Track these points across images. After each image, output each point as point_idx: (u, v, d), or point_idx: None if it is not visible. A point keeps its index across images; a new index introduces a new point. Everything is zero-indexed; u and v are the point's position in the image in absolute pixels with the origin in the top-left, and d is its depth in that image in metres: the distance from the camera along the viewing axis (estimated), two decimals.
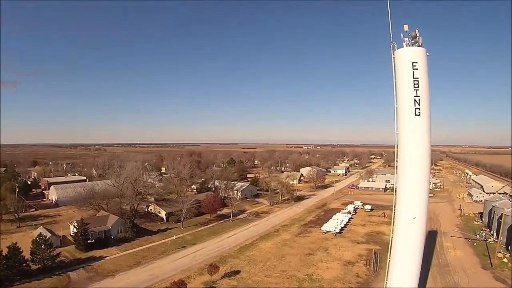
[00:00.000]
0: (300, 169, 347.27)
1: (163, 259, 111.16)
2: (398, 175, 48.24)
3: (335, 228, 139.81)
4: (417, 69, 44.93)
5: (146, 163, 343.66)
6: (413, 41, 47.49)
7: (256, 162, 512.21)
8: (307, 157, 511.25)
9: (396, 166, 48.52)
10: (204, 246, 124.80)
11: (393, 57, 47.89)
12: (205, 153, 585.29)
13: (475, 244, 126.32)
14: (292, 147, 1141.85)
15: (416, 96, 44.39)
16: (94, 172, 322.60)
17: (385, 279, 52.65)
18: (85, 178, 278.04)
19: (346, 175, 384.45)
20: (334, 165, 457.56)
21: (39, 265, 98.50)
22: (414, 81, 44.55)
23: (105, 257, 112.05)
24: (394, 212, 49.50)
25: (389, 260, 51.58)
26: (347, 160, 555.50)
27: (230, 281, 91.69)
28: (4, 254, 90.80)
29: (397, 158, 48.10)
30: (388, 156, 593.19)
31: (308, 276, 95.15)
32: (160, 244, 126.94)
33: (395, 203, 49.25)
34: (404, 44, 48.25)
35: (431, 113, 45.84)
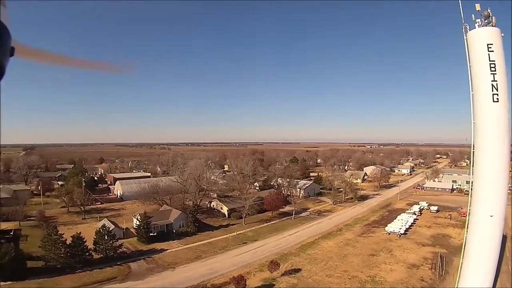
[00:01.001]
0: (364, 168, 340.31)
1: (224, 254, 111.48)
2: (474, 167, 44.18)
3: (400, 229, 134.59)
4: (492, 51, 40.79)
5: (209, 161, 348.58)
6: (486, 21, 43.39)
7: (318, 160, 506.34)
8: (370, 156, 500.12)
9: (473, 158, 44.48)
10: (265, 242, 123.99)
11: (466, 40, 44.06)
12: (268, 151, 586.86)
13: None
14: (355, 146, 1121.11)
15: (494, 80, 40.32)
16: (159, 169, 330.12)
17: (457, 281, 48.92)
18: (149, 174, 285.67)
19: (410, 174, 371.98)
20: (399, 164, 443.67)
21: (101, 255, 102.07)
22: (490, 64, 40.59)
23: (166, 250, 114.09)
24: (469, 209, 45.55)
25: (462, 262, 47.74)
26: (412, 160, 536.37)
27: (290, 279, 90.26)
28: (68, 243, 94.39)
29: (473, 149, 44.06)
30: (454, 156, 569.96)
31: (371, 278, 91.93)
32: (221, 239, 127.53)
33: (470, 199, 45.38)
34: (476, 25, 44.34)
35: (510, 99, 41.92)
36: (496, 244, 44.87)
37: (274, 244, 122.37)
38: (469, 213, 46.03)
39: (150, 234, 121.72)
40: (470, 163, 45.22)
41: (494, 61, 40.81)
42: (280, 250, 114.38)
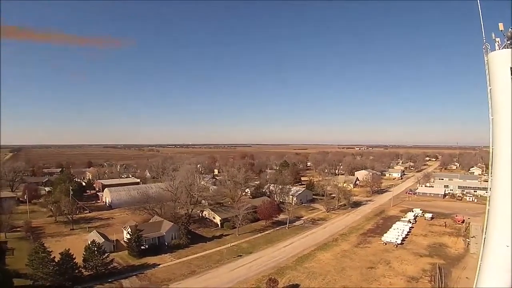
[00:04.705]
0: (355, 173, 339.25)
1: (219, 268, 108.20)
2: (491, 196, 42.13)
3: (396, 239, 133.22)
4: None
5: (199, 165, 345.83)
6: (508, 42, 41.36)
7: (309, 164, 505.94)
8: (360, 159, 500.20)
9: (491, 186, 42.43)
10: (260, 255, 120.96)
11: (486, 61, 41.92)
12: (257, 154, 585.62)
13: None
14: (344, 148, 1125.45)
15: None
16: (148, 174, 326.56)
17: None
18: (139, 180, 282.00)
19: (401, 178, 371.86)
20: (389, 168, 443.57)
21: (92, 272, 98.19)
22: None
23: (159, 264, 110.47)
24: (484, 238, 43.63)
25: None
26: (402, 163, 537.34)
27: None
28: (57, 260, 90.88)
29: (491, 176, 41.99)
30: (443, 159, 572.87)
31: None
32: (215, 252, 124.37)
33: (486, 227, 43.44)
34: (496, 45, 42.31)
35: None
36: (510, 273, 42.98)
37: (270, 256, 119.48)
38: (484, 242, 43.92)
39: (142, 247, 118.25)
40: (488, 191, 42.92)
41: None
42: (276, 264, 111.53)
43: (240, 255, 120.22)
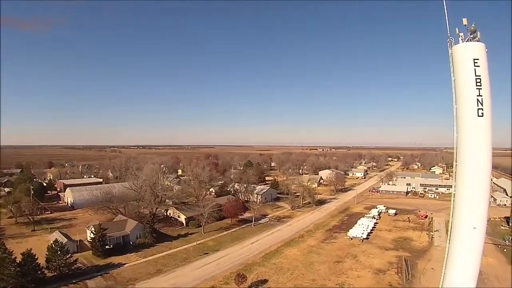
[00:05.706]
0: (319, 172, 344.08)
1: (185, 266, 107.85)
2: (457, 180, 44.42)
3: (362, 234, 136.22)
4: (478, 66, 41.56)
5: (163, 165, 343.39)
6: (472, 36, 44.07)
7: (273, 164, 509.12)
8: (324, 159, 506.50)
9: (455, 171, 44.76)
10: (227, 252, 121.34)
11: (451, 53, 44.56)
12: (221, 155, 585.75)
13: (505, 250, 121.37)
14: (307, 149, 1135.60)
15: (479, 95, 41.03)
16: (111, 174, 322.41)
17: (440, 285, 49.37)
18: (101, 180, 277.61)
19: (365, 178, 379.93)
20: (352, 167, 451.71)
21: (55, 273, 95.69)
22: (476, 79, 41.30)
23: (124, 264, 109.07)
24: (452, 222, 45.85)
25: (444, 271, 48.21)
26: (365, 163, 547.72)
27: None
28: (19, 261, 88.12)
29: (456, 162, 44.35)
30: (405, 159, 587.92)
31: (340, 286, 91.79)
32: (181, 250, 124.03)
33: (452, 211, 45.63)
34: (459, 39, 45.00)
35: (492, 114, 42.72)
36: (479, 254, 45.49)
37: (237, 253, 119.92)
38: (451, 225, 46.21)
39: (106, 247, 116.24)
40: (453, 176, 45.22)
41: (479, 76, 41.32)
42: (243, 260, 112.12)
43: (207, 253, 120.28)
